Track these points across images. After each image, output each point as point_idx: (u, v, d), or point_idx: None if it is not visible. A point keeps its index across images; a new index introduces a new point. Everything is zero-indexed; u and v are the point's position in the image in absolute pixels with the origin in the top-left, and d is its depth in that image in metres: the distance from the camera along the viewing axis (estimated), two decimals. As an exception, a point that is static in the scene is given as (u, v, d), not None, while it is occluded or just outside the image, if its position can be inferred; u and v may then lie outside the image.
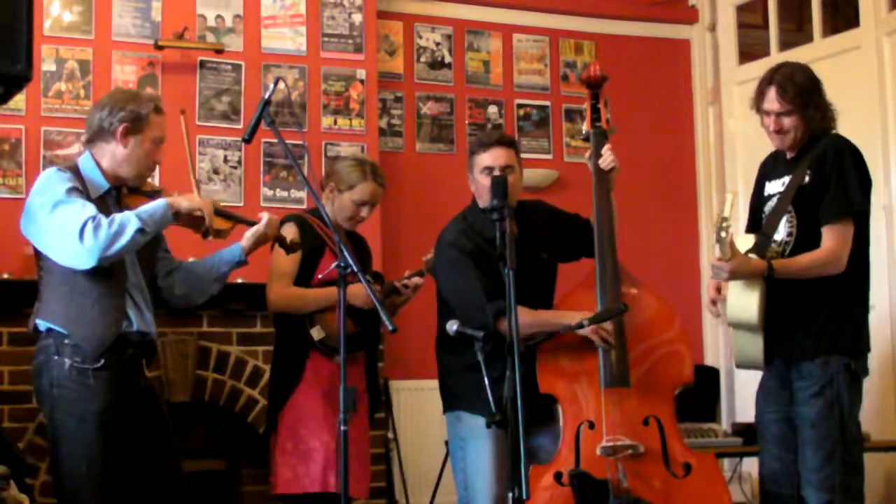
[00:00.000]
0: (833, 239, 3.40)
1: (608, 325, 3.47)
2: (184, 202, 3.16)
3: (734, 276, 3.39)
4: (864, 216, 3.49)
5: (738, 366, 3.61)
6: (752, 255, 3.44)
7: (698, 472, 3.47)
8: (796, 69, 3.56)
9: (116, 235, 2.99)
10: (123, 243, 3.01)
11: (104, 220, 3.00)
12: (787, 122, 3.50)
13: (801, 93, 3.48)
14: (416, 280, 3.95)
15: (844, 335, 3.44)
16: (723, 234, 3.26)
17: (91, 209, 3.03)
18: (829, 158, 3.43)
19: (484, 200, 3.61)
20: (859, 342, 3.49)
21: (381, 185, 3.93)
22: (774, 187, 3.61)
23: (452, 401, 3.68)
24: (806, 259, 3.41)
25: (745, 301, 3.42)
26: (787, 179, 3.54)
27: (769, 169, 3.69)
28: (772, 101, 3.51)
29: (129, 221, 3.02)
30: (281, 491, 3.76)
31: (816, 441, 3.38)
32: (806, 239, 3.45)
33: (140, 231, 3.02)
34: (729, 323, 3.55)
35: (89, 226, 2.98)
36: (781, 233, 3.49)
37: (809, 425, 3.39)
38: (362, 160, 4.01)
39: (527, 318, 3.31)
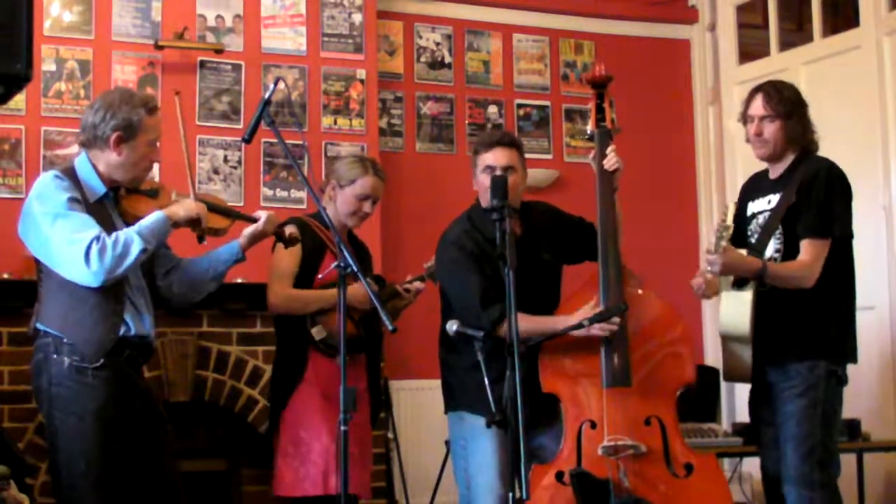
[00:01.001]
0: (809, 253, 3.47)
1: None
2: (180, 211, 3.17)
3: (727, 269, 3.44)
4: (846, 241, 3.55)
5: (726, 378, 3.67)
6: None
7: (699, 473, 3.47)
8: (786, 84, 3.69)
9: (122, 257, 3.01)
10: (128, 264, 3.03)
11: (108, 242, 3.00)
12: (769, 128, 3.59)
13: (786, 101, 3.58)
14: (418, 285, 3.95)
15: (834, 342, 3.51)
16: (722, 243, 3.37)
17: (94, 227, 3.03)
18: (820, 180, 3.50)
19: (486, 200, 3.61)
20: (846, 351, 3.56)
21: (381, 178, 3.94)
22: (758, 206, 3.67)
23: (455, 400, 3.68)
24: (789, 267, 3.49)
25: (737, 312, 3.47)
26: (772, 198, 3.60)
27: (750, 189, 3.77)
28: (757, 106, 3.63)
29: (132, 241, 3.03)
30: (281, 493, 3.76)
31: (798, 437, 3.43)
32: (791, 257, 3.53)
33: (144, 251, 3.05)
34: (721, 334, 3.59)
35: (94, 248, 2.98)
36: (770, 250, 3.55)
37: (793, 422, 3.45)
38: (361, 156, 4.04)
39: (525, 325, 3.30)
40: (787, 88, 3.65)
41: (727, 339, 3.57)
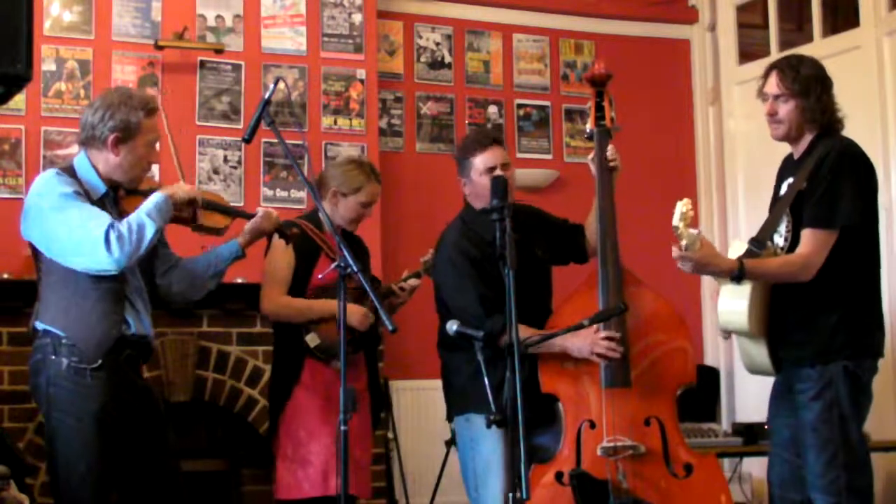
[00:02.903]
0: (808, 245, 3.27)
1: (603, 343, 3.45)
2: (178, 191, 3.20)
3: (699, 267, 3.27)
4: (860, 227, 3.32)
5: (752, 372, 3.51)
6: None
7: (699, 473, 3.46)
8: (806, 60, 3.46)
9: (139, 241, 3.04)
10: (146, 246, 3.06)
11: (124, 228, 3.02)
12: (782, 108, 3.39)
13: (801, 80, 3.37)
14: (413, 282, 3.95)
15: (841, 339, 3.30)
16: (685, 243, 3.18)
17: (104, 216, 3.04)
18: (828, 162, 3.29)
19: (483, 201, 3.61)
20: (859, 345, 3.34)
21: (380, 182, 3.96)
22: (784, 189, 3.47)
23: (461, 403, 3.66)
24: (776, 262, 3.31)
25: (734, 307, 3.31)
26: (791, 181, 3.41)
27: (783, 170, 3.56)
28: (771, 84, 3.42)
29: (145, 224, 3.06)
30: (282, 496, 3.76)
31: (818, 445, 3.30)
32: (797, 243, 3.33)
33: (157, 231, 3.08)
34: (720, 329, 3.50)
35: (112, 234, 2.99)
36: (781, 236, 3.39)
37: (811, 429, 3.31)
38: (359, 161, 4.02)
39: (527, 337, 3.26)
40: (806, 64, 3.40)
41: (735, 336, 3.46)
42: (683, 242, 3.19)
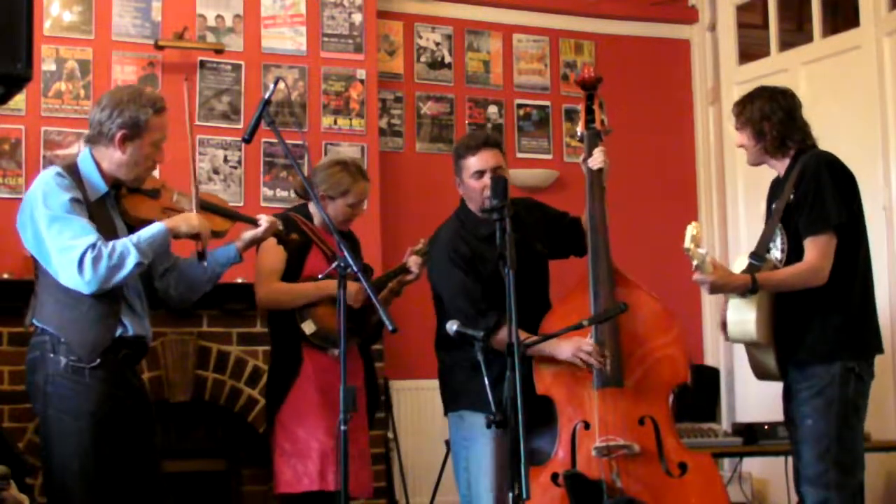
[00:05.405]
0: (812, 251, 3.40)
1: (586, 346, 3.47)
2: (183, 226, 3.15)
3: (717, 288, 3.41)
4: (848, 227, 3.45)
5: (761, 378, 3.60)
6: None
7: (694, 472, 3.47)
8: (757, 93, 3.61)
9: (115, 269, 3.00)
10: (122, 276, 3.02)
11: (104, 251, 2.99)
12: (740, 137, 3.61)
13: (746, 112, 3.56)
14: (416, 259, 3.94)
15: (846, 339, 3.41)
16: (696, 263, 3.30)
17: (90, 234, 3.01)
18: (808, 174, 3.45)
19: (475, 203, 3.64)
20: (863, 345, 3.46)
21: (367, 178, 3.96)
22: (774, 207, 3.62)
23: (455, 400, 3.68)
24: (786, 272, 3.44)
25: (742, 318, 3.42)
26: (779, 199, 3.55)
27: (772, 189, 3.70)
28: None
29: (128, 254, 3.01)
30: (282, 490, 3.78)
31: (812, 438, 3.37)
32: (795, 255, 3.46)
33: (139, 264, 3.03)
34: (730, 340, 3.56)
35: (88, 256, 2.97)
36: (778, 249, 3.51)
37: (808, 422, 3.39)
38: (343, 162, 3.97)
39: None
40: (756, 97, 3.58)
41: (744, 345, 3.54)
42: (695, 263, 3.31)
